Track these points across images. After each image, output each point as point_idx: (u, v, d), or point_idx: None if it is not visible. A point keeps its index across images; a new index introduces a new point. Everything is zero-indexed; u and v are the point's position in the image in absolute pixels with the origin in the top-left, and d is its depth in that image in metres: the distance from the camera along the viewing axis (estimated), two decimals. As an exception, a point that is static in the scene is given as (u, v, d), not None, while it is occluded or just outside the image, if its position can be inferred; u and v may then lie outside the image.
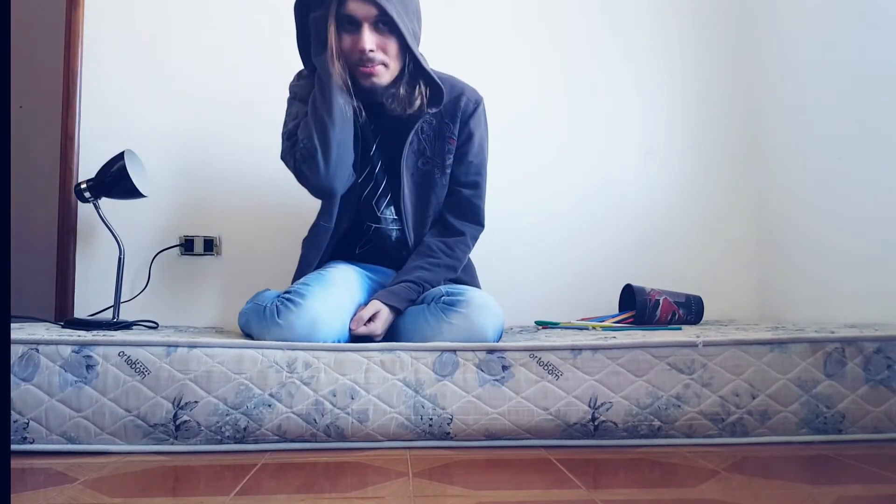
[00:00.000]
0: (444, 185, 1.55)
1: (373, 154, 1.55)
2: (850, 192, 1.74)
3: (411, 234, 1.54)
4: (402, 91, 1.46)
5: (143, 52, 2.02)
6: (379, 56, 1.41)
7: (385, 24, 1.39)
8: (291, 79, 1.59)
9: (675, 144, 2.16)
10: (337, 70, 1.40)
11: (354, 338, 1.37)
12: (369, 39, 1.39)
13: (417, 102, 1.46)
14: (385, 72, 1.43)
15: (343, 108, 1.42)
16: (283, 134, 1.51)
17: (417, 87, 1.46)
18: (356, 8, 1.38)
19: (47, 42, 2.37)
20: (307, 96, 1.48)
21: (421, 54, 1.47)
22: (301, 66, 1.57)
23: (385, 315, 1.39)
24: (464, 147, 1.55)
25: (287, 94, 1.57)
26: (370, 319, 1.38)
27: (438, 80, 1.47)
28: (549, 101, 2.13)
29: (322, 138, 1.40)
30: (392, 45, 1.42)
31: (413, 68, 1.46)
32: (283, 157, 1.50)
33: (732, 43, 2.17)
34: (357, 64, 1.42)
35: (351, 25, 1.40)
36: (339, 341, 1.34)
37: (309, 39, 1.46)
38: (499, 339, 1.38)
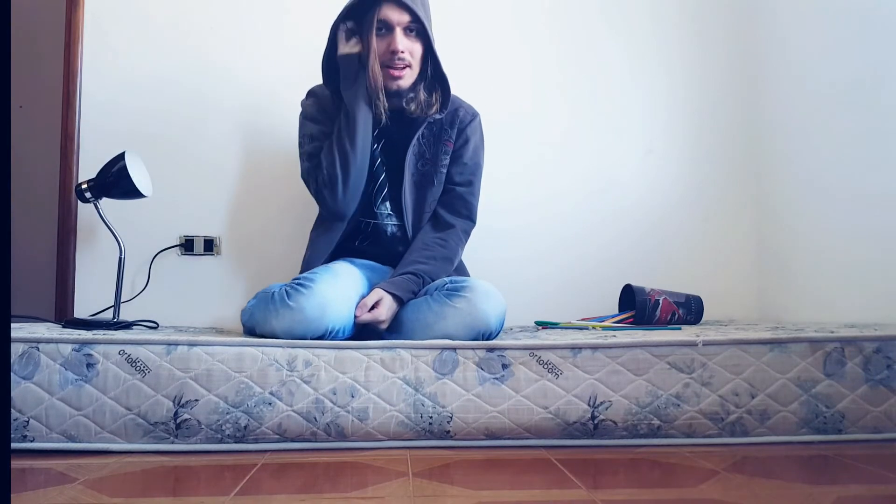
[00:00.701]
0: (439, 184, 1.63)
1: (373, 151, 1.61)
2: (850, 192, 1.74)
3: (410, 230, 1.61)
4: (421, 95, 1.57)
5: (144, 52, 2.01)
6: (407, 58, 1.52)
7: (412, 30, 1.52)
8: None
9: (675, 144, 2.16)
10: (377, 73, 1.51)
11: (359, 327, 1.39)
12: (402, 42, 1.51)
13: (435, 106, 1.58)
14: (409, 73, 1.54)
15: (365, 133, 1.52)
16: (302, 154, 1.61)
17: (435, 91, 1.58)
18: (391, 14, 1.50)
19: (47, 42, 2.37)
20: (318, 115, 1.61)
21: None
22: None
23: (388, 302, 1.42)
24: (459, 150, 1.65)
25: (293, 101, 1.66)
26: (374, 307, 1.40)
27: (449, 85, 1.57)
28: (549, 101, 2.13)
29: (344, 167, 1.51)
30: (417, 49, 1.54)
31: (432, 72, 1.57)
32: (303, 178, 1.60)
33: (732, 43, 2.17)
34: (386, 65, 1.52)
35: (383, 30, 1.51)
36: (345, 328, 1.36)
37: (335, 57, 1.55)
38: (501, 326, 1.41)
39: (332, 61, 1.56)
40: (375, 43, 1.50)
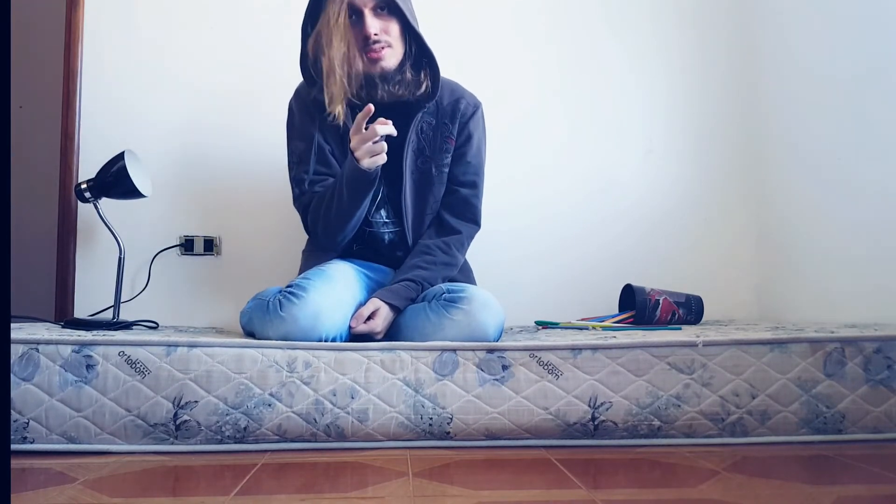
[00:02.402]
0: (441, 184, 1.57)
1: None
2: (850, 192, 1.74)
3: (410, 233, 1.56)
4: (408, 75, 1.48)
5: (144, 51, 2.02)
6: (383, 37, 1.44)
7: (383, 7, 1.45)
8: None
9: (675, 144, 2.16)
10: (360, 65, 1.44)
11: (354, 336, 1.37)
12: (373, 24, 1.43)
13: (424, 86, 1.49)
14: (391, 53, 1.46)
15: (365, 205, 1.47)
16: (291, 179, 1.56)
17: (423, 70, 1.49)
18: None
19: (47, 42, 2.37)
20: (302, 125, 1.54)
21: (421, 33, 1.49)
22: (298, 76, 1.59)
23: (385, 313, 1.40)
24: (462, 148, 1.57)
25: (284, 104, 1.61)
26: (370, 317, 1.38)
27: (436, 61, 1.49)
28: (549, 102, 2.13)
29: (340, 228, 1.49)
30: (394, 27, 1.46)
31: (417, 50, 1.49)
32: (294, 205, 1.56)
33: (732, 43, 2.17)
34: (364, 50, 1.45)
35: (354, 16, 1.44)
36: (340, 336, 1.34)
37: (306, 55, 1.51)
38: (499, 336, 1.39)
39: (307, 62, 1.51)
40: (351, 33, 1.42)
